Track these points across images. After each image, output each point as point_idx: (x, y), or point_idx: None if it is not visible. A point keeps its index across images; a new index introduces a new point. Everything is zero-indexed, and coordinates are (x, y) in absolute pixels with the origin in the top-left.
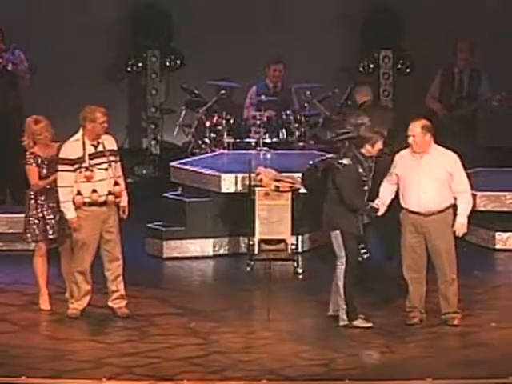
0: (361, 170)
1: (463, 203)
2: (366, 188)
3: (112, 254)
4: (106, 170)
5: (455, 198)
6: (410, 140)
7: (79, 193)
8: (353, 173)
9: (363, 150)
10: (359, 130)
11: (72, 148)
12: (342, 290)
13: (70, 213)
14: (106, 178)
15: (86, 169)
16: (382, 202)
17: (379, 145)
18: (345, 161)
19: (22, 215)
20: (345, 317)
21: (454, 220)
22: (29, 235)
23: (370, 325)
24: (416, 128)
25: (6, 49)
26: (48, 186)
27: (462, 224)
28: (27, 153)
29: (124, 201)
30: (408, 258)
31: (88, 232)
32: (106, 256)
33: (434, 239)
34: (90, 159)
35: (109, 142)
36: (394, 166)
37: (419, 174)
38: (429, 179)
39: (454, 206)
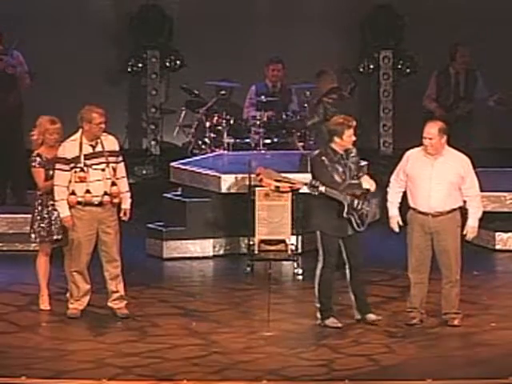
0: (327, 162)
1: (474, 207)
2: (336, 178)
3: (109, 255)
4: (103, 170)
5: (464, 201)
6: (427, 142)
7: (73, 192)
8: (317, 162)
9: (334, 145)
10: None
11: (69, 147)
12: (316, 288)
13: (63, 211)
14: (103, 179)
15: (81, 169)
16: (392, 215)
17: (348, 135)
18: (313, 154)
19: (21, 215)
20: (318, 315)
21: (462, 221)
22: (34, 235)
23: (339, 325)
24: (433, 131)
25: (5, 51)
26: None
27: (472, 227)
28: (33, 154)
29: (126, 203)
30: (413, 258)
31: (83, 232)
32: (103, 257)
33: (441, 239)
34: (87, 159)
35: (109, 143)
36: (403, 165)
37: (431, 175)
38: (440, 181)
39: (463, 208)
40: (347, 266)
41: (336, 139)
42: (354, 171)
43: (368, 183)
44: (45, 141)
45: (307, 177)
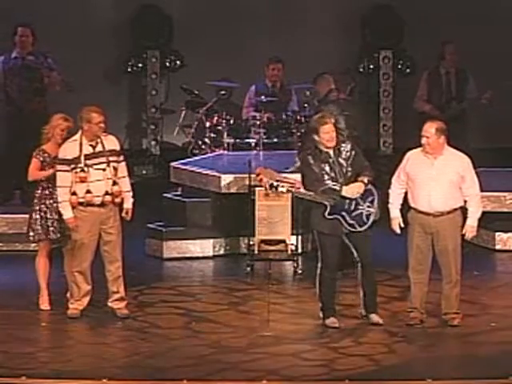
0: (311, 161)
1: (474, 206)
2: (323, 177)
3: (112, 255)
4: (104, 170)
5: (465, 201)
6: (424, 141)
7: (74, 193)
8: (303, 162)
9: (317, 144)
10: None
11: (69, 148)
12: (317, 288)
13: (66, 213)
14: (104, 179)
15: (82, 170)
16: (393, 216)
17: (324, 131)
18: (301, 154)
19: (21, 215)
20: (320, 314)
21: (463, 221)
22: (31, 234)
23: (337, 325)
24: (430, 129)
25: (35, 52)
26: (51, 188)
27: (471, 227)
28: (37, 149)
29: (128, 202)
30: (413, 258)
31: (86, 232)
32: (105, 257)
33: (442, 239)
34: (87, 159)
35: (109, 142)
36: (403, 165)
37: (431, 174)
38: (440, 180)
39: (463, 208)
40: (359, 264)
41: (315, 137)
42: (345, 167)
43: (349, 193)
44: (54, 136)
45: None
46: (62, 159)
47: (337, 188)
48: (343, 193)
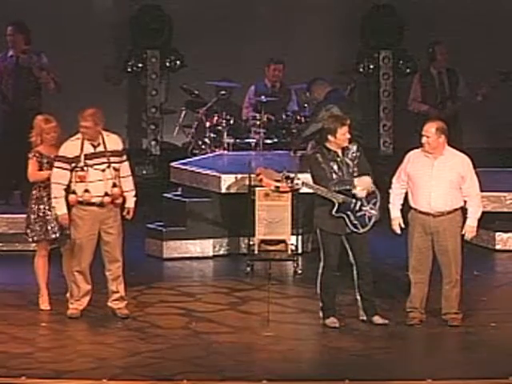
0: (320, 159)
1: (473, 206)
2: (334, 179)
3: (112, 255)
4: (104, 170)
5: (465, 201)
6: (424, 140)
7: (74, 192)
8: (311, 161)
9: (328, 144)
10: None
11: (70, 147)
12: (317, 287)
13: (60, 209)
14: (103, 179)
15: (81, 169)
16: (394, 217)
17: (342, 133)
18: (309, 152)
19: (22, 215)
20: (320, 314)
21: (463, 222)
22: (30, 234)
23: (337, 325)
24: (431, 129)
25: (29, 50)
26: (49, 188)
27: (471, 227)
28: (32, 150)
29: (130, 202)
30: (414, 258)
31: (85, 232)
32: (105, 257)
33: (442, 239)
34: (87, 159)
35: (112, 143)
36: (404, 165)
37: (431, 174)
38: (440, 180)
39: (463, 208)
40: (354, 266)
41: (330, 138)
42: (352, 167)
43: (360, 184)
44: (43, 140)
45: (307, 177)
46: (61, 156)
47: (348, 178)
48: (355, 183)
